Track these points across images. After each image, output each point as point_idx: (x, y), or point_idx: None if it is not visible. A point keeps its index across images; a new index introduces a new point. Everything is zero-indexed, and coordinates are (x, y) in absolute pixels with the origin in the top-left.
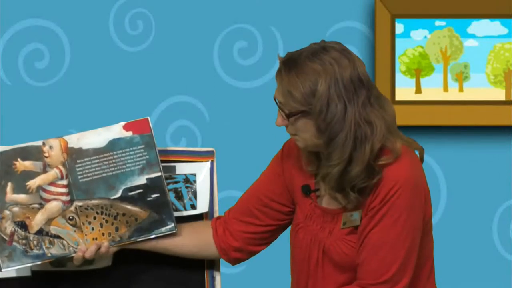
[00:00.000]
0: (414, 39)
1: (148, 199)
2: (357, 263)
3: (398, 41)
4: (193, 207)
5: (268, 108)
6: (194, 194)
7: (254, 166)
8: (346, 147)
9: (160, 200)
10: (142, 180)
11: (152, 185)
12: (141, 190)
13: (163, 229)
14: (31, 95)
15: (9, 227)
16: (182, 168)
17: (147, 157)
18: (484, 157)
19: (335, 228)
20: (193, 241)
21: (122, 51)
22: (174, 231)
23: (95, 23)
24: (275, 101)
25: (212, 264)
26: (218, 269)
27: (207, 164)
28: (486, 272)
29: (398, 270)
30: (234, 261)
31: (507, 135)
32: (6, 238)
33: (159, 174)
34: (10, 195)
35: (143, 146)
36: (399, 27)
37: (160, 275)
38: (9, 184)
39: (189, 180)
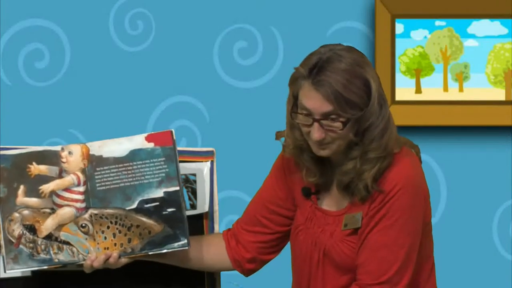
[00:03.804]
0: (414, 39)
1: (164, 213)
2: (357, 264)
3: (398, 41)
4: (193, 207)
5: (268, 108)
6: (194, 194)
7: (254, 166)
8: (384, 138)
9: (176, 215)
10: (159, 193)
11: (169, 199)
12: (157, 203)
13: (176, 244)
14: (31, 95)
15: (17, 229)
16: (182, 168)
17: (167, 170)
18: (484, 157)
19: (336, 230)
20: (207, 254)
21: (122, 51)
22: (186, 248)
23: (95, 23)
24: (313, 117)
25: (212, 274)
26: (219, 282)
27: (207, 164)
28: (486, 272)
29: (397, 271)
30: (248, 272)
31: (507, 135)
32: (13, 240)
33: (177, 188)
34: (22, 198)
35: (163, 158)
36: (399, 27)
37: (161, 278)
38: (22, 186)
39: (189, 180)
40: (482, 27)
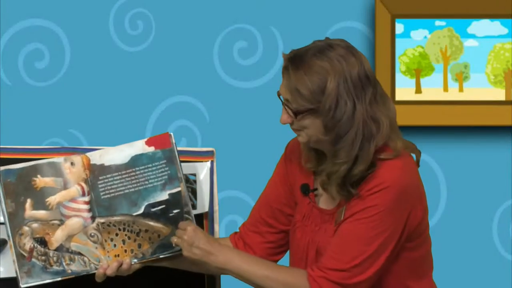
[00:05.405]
0: (414, 39)
1: (170, 214)
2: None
3: (398, 41)
4: (193, 207)
5: (268, 108)
6: (194, 194)
7: (254, 166)
8: (355, 145)
9: (181, 215)
10: (164, 195)
11: (173, 200)
12: (163, 206)
13: None
14: (31, 95)
15: (28, 243)
16: (182, 168)
17: (169, 172)
18: (484, 157)
19: (329, 227)
20: None
21: (122, 51)
22: None
23: (95, 23)
24: (279, 97)
25: (213, 277)
26: (219, 285)
27: (207, 164)
28: (486, 272)
29: (359, 264)
30: None
31: (507, 135)
32: (25, 254)
33: (179, 189)
34: (30, 211)
35: (165, 161)
36: (399, 27)
37: (160, 282)
38: (29, 200)
39: (189, 180)
40: (482, 27)
